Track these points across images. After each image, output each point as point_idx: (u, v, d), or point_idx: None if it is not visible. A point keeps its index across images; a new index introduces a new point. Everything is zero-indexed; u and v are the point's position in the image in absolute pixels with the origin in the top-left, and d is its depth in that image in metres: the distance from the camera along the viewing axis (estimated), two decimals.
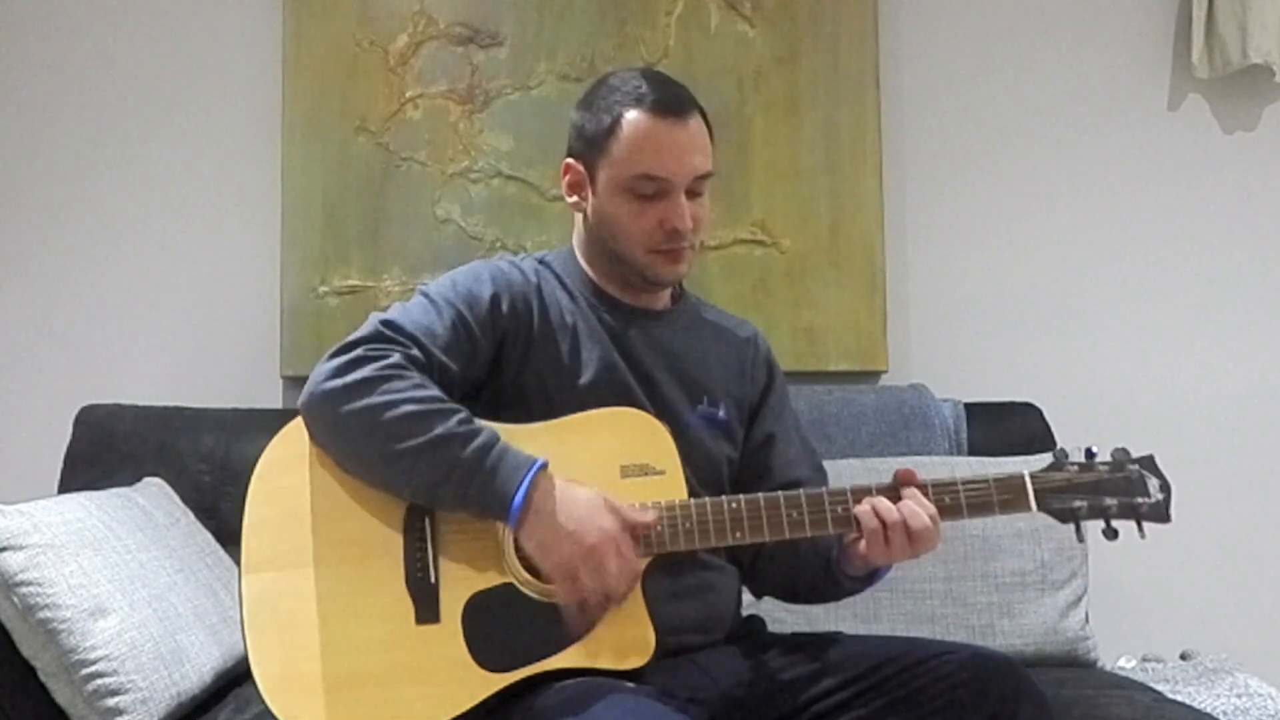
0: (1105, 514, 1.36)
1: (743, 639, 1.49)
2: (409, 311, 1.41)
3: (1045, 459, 2.05)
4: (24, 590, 1.53)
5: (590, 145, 1.46)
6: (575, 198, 1.50)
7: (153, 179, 2.44)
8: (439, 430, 1.29)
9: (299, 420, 1.38)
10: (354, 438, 1.33)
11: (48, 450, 2.16)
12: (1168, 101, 2.46)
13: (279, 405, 2.35)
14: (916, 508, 1.32)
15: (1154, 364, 2.42)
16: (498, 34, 2.40)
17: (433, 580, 1.32)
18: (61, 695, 1.55)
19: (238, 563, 1.93)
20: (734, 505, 1.35)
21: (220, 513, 2.07)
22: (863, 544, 1.35)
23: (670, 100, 1.44)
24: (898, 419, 2.18)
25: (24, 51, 2.45)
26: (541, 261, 1.53)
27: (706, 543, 1.35)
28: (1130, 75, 2.45)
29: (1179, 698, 1.78)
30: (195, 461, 2.12)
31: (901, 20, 2.46)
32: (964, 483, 1.36)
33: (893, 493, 1.35)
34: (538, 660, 1.30)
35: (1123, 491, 1.36)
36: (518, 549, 1.34)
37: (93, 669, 1.53)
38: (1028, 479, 1.36)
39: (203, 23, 2.45)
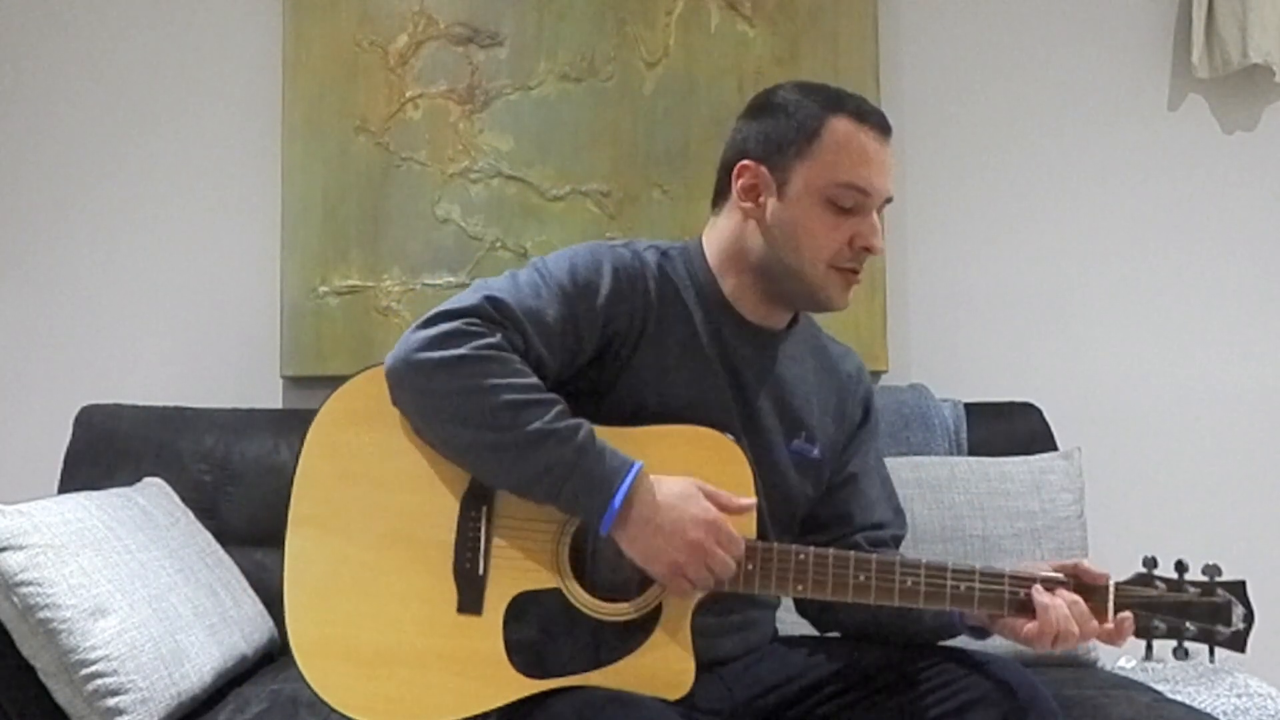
0: (1181, 636, 1.32)
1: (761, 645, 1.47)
2: (519, 290, 1.32)
3: (1051, 457, 2.09)
4: (24, 590, 1.52)
5: (782, 148, 1.36)
6: (750, 203, 1.39)
7: (153, 179, 2.44)
8: (537, 425, 1.24)
9: (369, 374, 1.33)
10: (444, 417, 1.28)
11: (48, 450, 2.16)
12: (1168, 101, 2.46)
13: (279, 405, 2.35)
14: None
15: (1154, 364, 2.42)
16: (498, 34, 2.40)
17: (480, 571, 1.29)
18: (61, 695, 1.54)
19: (238, 562, 1.96)
20: (801, 556, 1.29)
21: (220, 513, 2.07)
22: (1029, 627, 1.29)
23: (877, 115, 1.38)
24: (898, 419, 2.18)
25: (24, 52, 2.45)
26: (664, 254, 1.43)
27: (766, 589, 1.30)
28: (1130, 75, 2.45)
29: (1179, 698, 1.78)
30: (195, 461, 2.12)
31: (901, 20, 2.46)
32: (1043, 579, 1.31)
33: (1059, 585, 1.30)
34: (572, 673, 1.27)
35: (1206, 618, 1.32)
36: (573, 555, 1.31)
37: (93, 669, 1.52)
38: (1111, 590, 1.31)
39: (203, 23, 2.45)
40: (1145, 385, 2.41)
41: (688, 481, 1.28)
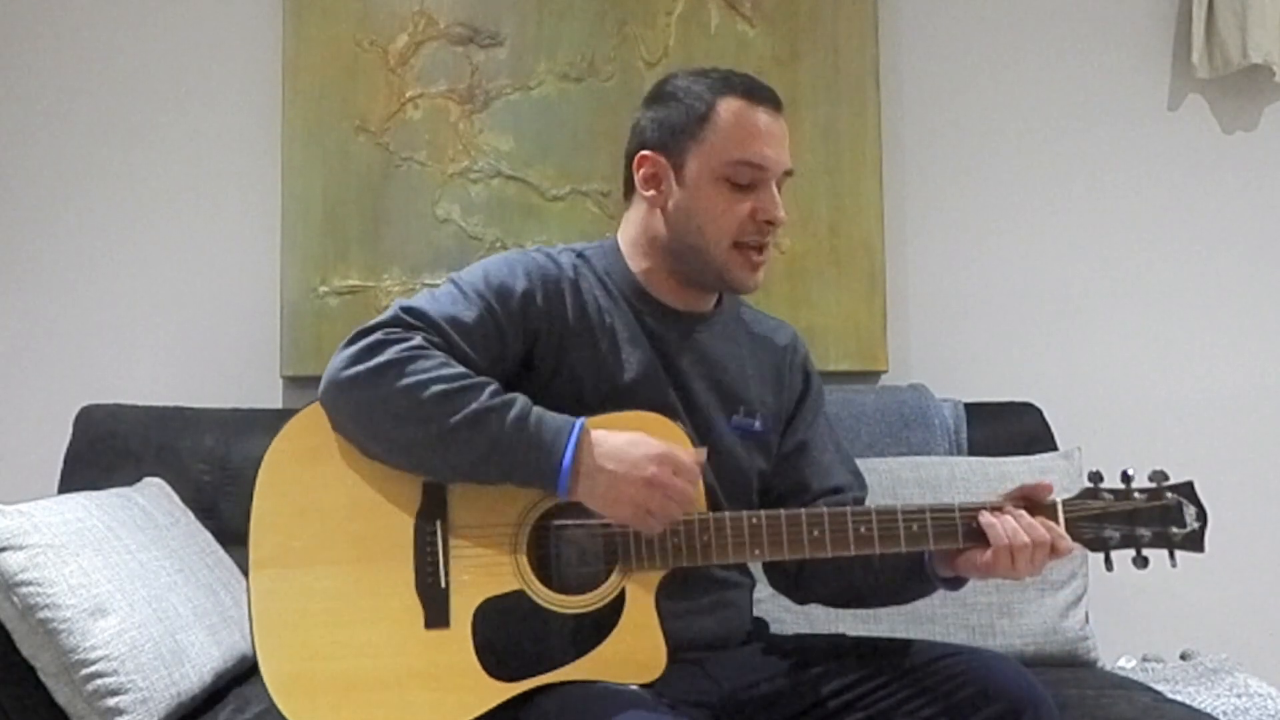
0: (1137, 544, 1.32)
1: (748, 641, 1.48)
2: (436, 300, 1.36)
3: (1051, 457, 2.09)
4: (24, 590, 1.52)
5: (676, 134, 1.41)
6: (652, 191, 1.43)
7: (153, 179, 2.44)
8: (473, 406, 1.26)
9: (308, 410, 1.35)
10: (383, 424, 1.29)
11: (48, 450, 2.16)
12: (1168, 101, 2.46)
13: (279, 405, 2.35)
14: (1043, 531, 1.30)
15: (1154, 364, 2.42)
16: (498, 34, 2.40)
17: (443, 585, 1.30)
18: (61, 695, 1.55)
19: (238, 563, 1.96)
20: (754, 520, 1.32)
21: (220, 513, 2.07)
22: (986, 555, 1.30)
23: (764, 90, 1.42)
24: (898, 419, 2.18)
25: (24, 52, 2.45)
26: (580, 255, 1.47)
27: (724, 558, 1.32)
28: (1130, 75, 2.45)
29: (1179, 698, 1.78)
30: (195, 461, 2.12)
31: (901, 20, 2.46)
32: (990, 505, 1.32)
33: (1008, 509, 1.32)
34: (546, 670, 1.29)
35: (1158, 521, 1.32)
36: (532, 554, 1.32)
37: (93, 669, 1.53)
38: (1060, 507, 1.33)
39: (203, 23, 2.45)
40: (1145, 385, 2.41)
41: (633, 433, 1.30)
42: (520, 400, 1.29)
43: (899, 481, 2.02)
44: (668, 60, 2.38)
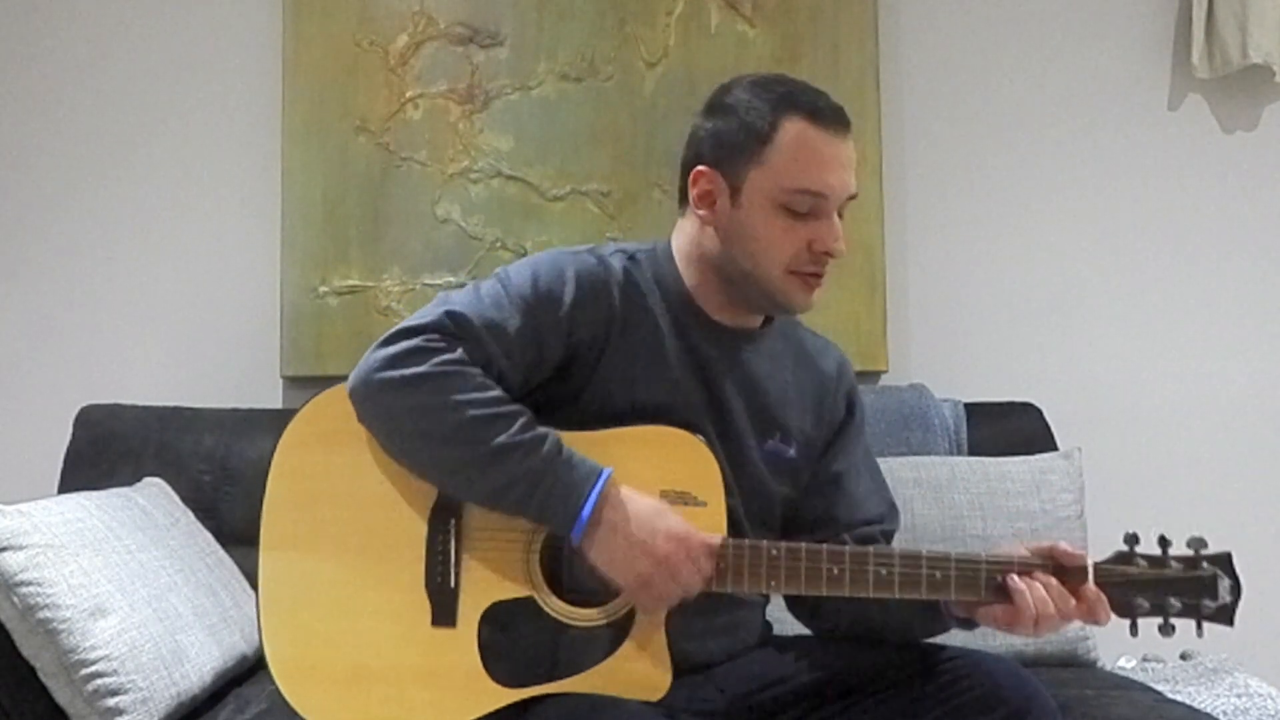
0: (1166, 613, 1.29)
1: (751, 645, 1.47)
2: (480, 303, 1.31)
3: (1051, 457, 2.09)
4: (24, 590, 1.52)
5: (734, 152, 1.34)
6: (706, 210, 1.37)
7: (153, 179, 2.44)
8: (502, 438, 1.24)
9: (329, 394, 1.33)
10: (409, 435, 1.28)
11: (48, 450, 2.16)
12: (1168, 101, 2.46)
13: (279, 405, 2.35)
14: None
15: (1154, 364, 2.42)
16: (498, 34, 2.40)
17: (453, 584, 1.29)
18: (61, 695, 1.54)
19: (238, 563, 1.96)
20: (774, 553, 1.28)
21: (220, 513, 2.07)
22: (1009, 614, 1.27)
23: (831, 110, 1.33)
24: (898, 419, 2.18)
25: (24, 52, 2.45)
26: (631, 258, 1.41)
27: (739, 588, 1.29)
28: (1130, 75, 2.45)
29: (1179, 698, 1.77)
30: (195, 461, 2.12)
31: (901, 20, 2.46)
32: (1020, 562, 1.29)
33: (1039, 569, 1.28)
34: (550, 680, 1.28)
35: (1191, 593, 1.28)
36: (544, 562, 1.31)
37: (93, 669, 1.53)
38: (1090, 569, 1.28)
39: (203, 23, 2.45)
40: (1145, 385, 2.41)
41: (657, 500, 1.28)
42: (550, 439, 1.26)
43: (899, 482, 2.02)
44: (668, 60, 2.38)
